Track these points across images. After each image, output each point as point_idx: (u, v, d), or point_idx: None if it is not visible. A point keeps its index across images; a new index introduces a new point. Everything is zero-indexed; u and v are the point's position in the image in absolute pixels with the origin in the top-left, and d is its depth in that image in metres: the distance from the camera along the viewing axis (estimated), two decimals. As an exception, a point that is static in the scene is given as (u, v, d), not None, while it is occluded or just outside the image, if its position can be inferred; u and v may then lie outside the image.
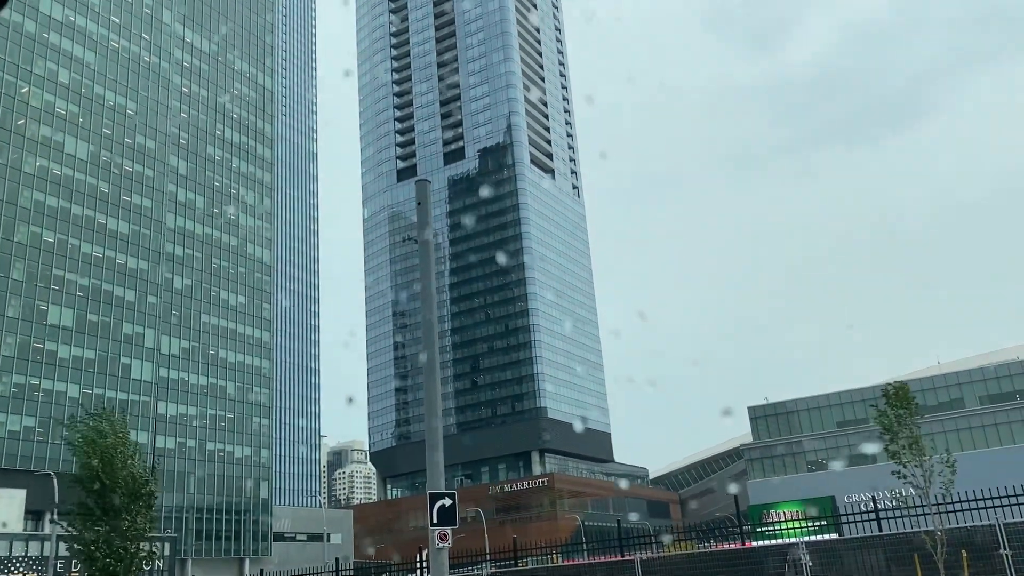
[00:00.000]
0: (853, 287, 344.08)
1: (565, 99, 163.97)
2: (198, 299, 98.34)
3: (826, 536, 25.07)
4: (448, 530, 14.84)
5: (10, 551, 65.18)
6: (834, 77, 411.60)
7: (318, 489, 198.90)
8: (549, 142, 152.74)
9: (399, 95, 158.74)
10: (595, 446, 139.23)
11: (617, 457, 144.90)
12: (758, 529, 31.84)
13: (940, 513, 19.91)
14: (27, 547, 66.91)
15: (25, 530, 69.56)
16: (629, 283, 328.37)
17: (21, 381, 79.13)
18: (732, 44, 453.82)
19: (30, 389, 79.61)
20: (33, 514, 72.54)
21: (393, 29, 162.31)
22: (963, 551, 19.07)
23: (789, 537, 23.43)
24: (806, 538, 22.70)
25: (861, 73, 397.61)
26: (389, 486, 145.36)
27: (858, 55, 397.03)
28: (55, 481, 49.49)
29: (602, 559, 26.34)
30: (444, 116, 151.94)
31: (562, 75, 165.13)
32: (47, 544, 60.00)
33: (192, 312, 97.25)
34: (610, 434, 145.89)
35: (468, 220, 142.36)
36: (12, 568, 63.79)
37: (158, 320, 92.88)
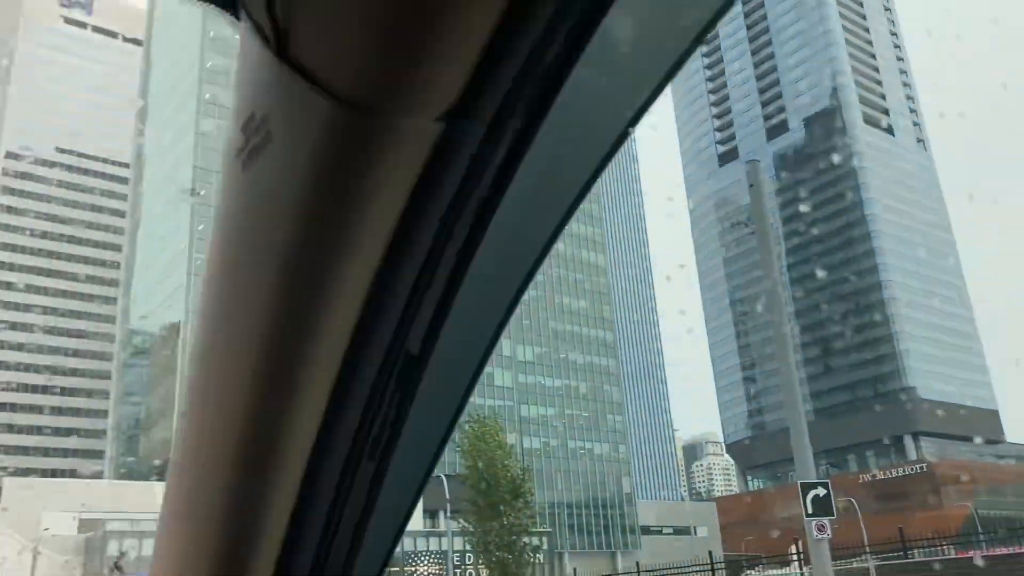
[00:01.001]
0: None
1: (896, 46, 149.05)
2: (544, 308, 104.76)
3: None
4: (826, 520, 14.39)
5: (415, 546, 74.27)
6: None
7: (677, 482, 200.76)
8: (883, 96, 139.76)
9: (711, 79, 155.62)
10: (979, 426, 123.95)
11: (1009, 436, 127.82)
12: None
13: None
14: (428, 542, 75.68)
15: (425, 527, 78.85)
16: (997, 236, 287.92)
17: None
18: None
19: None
20: (429, 512, 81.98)
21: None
22: None
23: None
24: None
25: None
26: (749, 477, 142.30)
27: None
28: (445, 482, 55.46)
29: (1010, 551, 23.43)
30: (761, 91, 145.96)
31: (889, 20, 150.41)
32: (443, 540, 67.39)
33: (541, 320, 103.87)
34: (997, 411, 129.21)
35: (800, 195, 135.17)
36: (418, 560, 72.71)
37: (512, 331, 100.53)
